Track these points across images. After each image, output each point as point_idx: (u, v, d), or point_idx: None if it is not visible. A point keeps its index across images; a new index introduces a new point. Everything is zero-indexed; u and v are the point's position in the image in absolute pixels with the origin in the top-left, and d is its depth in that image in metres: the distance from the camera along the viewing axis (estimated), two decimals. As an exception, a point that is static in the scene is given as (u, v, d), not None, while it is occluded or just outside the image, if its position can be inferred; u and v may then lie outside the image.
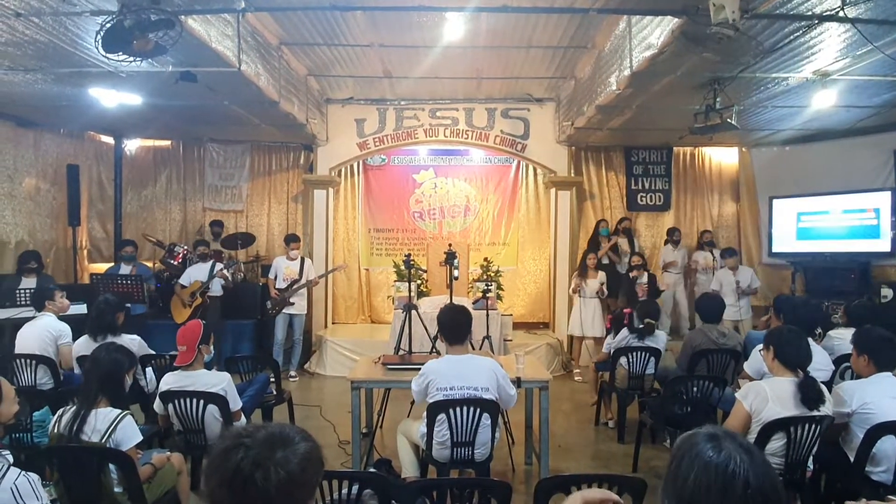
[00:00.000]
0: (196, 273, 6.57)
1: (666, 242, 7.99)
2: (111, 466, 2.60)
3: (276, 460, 1.12)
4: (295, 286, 6.60)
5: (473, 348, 3.96)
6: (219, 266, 6.58)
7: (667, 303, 7.66)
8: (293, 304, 6.64)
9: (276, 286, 6.72)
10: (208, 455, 1.19)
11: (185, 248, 7.19)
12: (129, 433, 2.65)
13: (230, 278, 6.62)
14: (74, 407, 2.68)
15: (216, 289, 6.61)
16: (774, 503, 1.12)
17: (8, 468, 1.94)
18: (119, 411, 2.68)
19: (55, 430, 2.65)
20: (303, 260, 6.85)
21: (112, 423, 2.61)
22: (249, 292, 7.05)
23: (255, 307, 7.12)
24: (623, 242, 7.75)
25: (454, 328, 3.25)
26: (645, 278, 6.54)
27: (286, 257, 6.84)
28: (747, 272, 6.93)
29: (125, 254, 6.67)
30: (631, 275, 6.67)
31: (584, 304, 6.68)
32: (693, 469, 1.16)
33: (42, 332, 4.20)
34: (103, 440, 2.58)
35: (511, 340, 6.57)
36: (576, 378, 6.89)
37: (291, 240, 6.97)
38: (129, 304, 5.63)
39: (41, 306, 4.43)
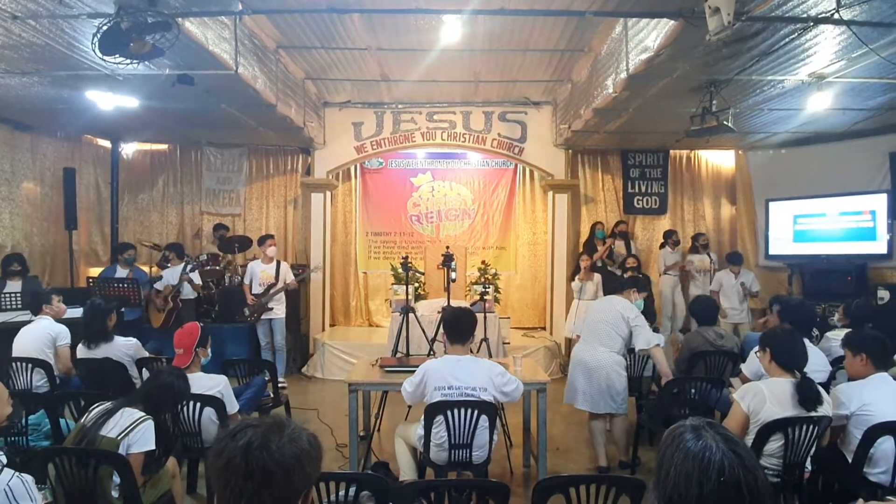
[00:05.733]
0: (170, 277, 6.55)
1: (662, 245, 7.97)
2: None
3: (282, 440, 1.19)
4: (272, 291, 6.42)
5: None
6: (181, 266, 6.55)
7: (665, 306, 7.66)
8: (271, 309, 6.44)
9: (252, 291, 6.49)
10: (206, 456, 1.24)
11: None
12: (146, 438, 2.62)
13: (193, 281, 6.52)
14: (111, 404, 2.68)
15: (188, 292, 6.59)
16: (750, 493, 1.12)
17: (1, 469, 1.93)
18: (144, 413, 2.68)
19: (82, 421, 2.65)
20: (278, 263, 6.58)
21: (134, 422, 2.60)
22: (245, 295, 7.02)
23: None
24: (619, 245, 7.75)
25: (455, 326, 3.26)
26: (641, 280, 6.54)
27: (261, 261, 6.59)
28: (748, 275, 6.96)
29: (128, 256, 6.60)
30: (625, 276, 6.67)
31: (582, 306, 6.68)
32: (674, 458, 1.18)
33: (39, 335, 4.19)
34: (120, 436, 2.57)
35: (509, 343, 6.57)
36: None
37: (267, 237, 6.74)
38: (123, 309, 5.60)
39: (38, 310, 4.42)
